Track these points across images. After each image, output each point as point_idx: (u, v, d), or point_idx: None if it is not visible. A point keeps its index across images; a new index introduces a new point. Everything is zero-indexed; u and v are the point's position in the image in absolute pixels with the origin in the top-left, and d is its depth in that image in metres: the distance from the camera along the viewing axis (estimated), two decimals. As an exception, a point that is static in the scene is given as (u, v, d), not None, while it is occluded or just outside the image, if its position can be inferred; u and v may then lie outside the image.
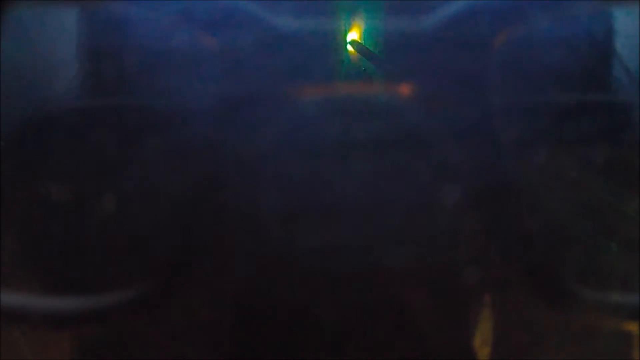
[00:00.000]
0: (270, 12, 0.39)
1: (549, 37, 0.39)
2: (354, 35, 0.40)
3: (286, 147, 0.38)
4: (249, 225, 0.38)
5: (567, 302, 0.40)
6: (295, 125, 0.38)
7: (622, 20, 0.41)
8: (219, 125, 0.38)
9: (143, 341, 0.40)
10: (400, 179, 0.39)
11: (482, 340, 0.41)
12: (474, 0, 0.39)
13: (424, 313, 0.40)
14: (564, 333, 0.41)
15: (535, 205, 0.39)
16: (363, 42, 0.40)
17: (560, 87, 0.40)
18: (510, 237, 0.39)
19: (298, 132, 0.38)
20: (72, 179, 0.39)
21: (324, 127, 0.39)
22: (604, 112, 0.40)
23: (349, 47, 0.40)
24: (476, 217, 0.39)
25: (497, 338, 0.41)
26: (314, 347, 0.39)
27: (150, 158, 0.38)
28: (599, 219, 0.39)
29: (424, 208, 0.39)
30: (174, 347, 0.40)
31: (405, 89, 0.39)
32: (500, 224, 0.39)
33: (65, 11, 0.40)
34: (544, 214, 0.39)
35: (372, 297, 0.39)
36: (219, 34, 0.38)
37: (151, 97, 0.39)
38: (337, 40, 0.40)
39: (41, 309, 0.39)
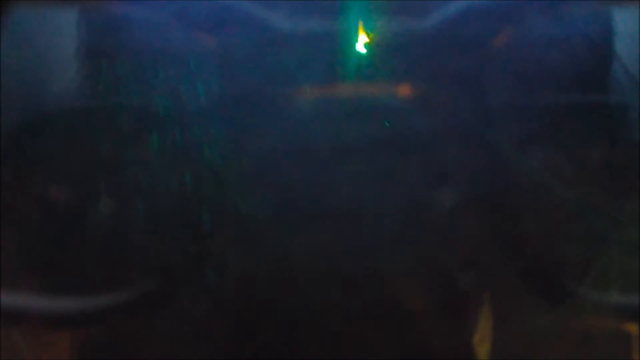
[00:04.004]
0: (270, 12, 0.39)
1: (548, 38, 0.39)
2: (360, 35, 0.40)
3: (286, 148, 0.38)
4: (248, 226, 0.38)
5: (567, 302, 0.40)
6: (295, 126, 0.38)
7: (622, 20, 0.41)
8: (218, 126, 0.38)
9: (143, 341, 0.40)
10: (400, 180, 0.39)
11: (481, 340, 0.41)
12: (474, 1, 0.39)
13: (424, 314, 0.40)
14: (564, 333, 0.41)
15: (535, 205, 0.39)
16: (365, 42, 0.40)
17: (559, 88, 0.39)
18: (510, 238, 0.39)
19: (297, 133, 0.38)
20: (72, 179, 0.39)
21: (323, 128, 0.39)
22: (604, 113, 0.40)
23: (355, 47, 0.40)
24: (476, 218, 0.39)
25: (497, 338, 0.41)
26: (313, 348, 0.39)
27: (149, 159, 0.38)
28: (599, 220, 0.39)
29: (423, 209, 0.39)
30: (173, 347, 0.40)
31: (405, 90, 0.39)
32: (500, 225, 0.39)
33: (65, 12, 0.40)
34: (544, 215, 0.39)
35: (372, 299, 0.39)
36: (218, 35, 0.38)
37: (150, 98, 0.39)
38: (338, 41, 0.40)
39: (41, 309, 0.39)
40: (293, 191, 0.38)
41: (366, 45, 0.39)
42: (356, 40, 0.40)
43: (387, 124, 0.39)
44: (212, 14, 0.38)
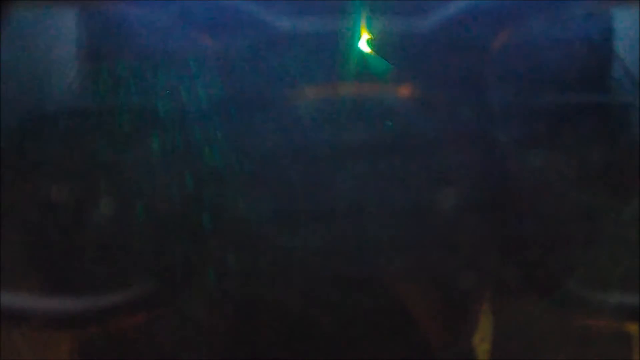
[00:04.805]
0: (271, 12, 0.39)
1: (548, 39, 0.39)
2: (363, 36, 0.40)
3: (287, 148, 0.38)
4: (248, 227, 0.38)
5: (567, 302, 0.40)
6: (296, 127, 0.38)
7: (622, 20, 0.41)
8: (219, 126, 0.38)
9: (143, 341, 0.40)
10: (400, 180, 0.39)
11: (482, 340, 0.41)
12: (474, 1, 0.39)
13: (424, 315, 0.40)
14: (564, 333, 0.41)
15: (535, 206, 0.39)
16: (365, 42, 0.40)
17: (559, 89, 0.40)
18: (510, 238, 0.39)
19: (298, 133, 0.38)
20: (72, 179, 0.39)
21: (324, 128, 0.39)
22: (604, 114, 0.40)
23: (357, 48, 0.40)
24: (476, 219, 0.39)
25: (497, 339, 0.41)
26: (314, 349, 0.39)
27: (149, 159, 0.38)
28: (599, 220, 0.39)
29: (424, 210, 0.39)
30: (173, 347, 0.40)
31: (406, 91, 0.39)
32: (500, 226, 0.39)
33: (65, 12, 0.40)
34: (544, 215, 0.40)
35: (372, 299, 0.39)
36: (219, 35, 0.38)
37: (150, 99, 0.39)
38: (338, 41, 0.40)
39: (41, 309, 0.39)
40: (294, 192, 0.38)
41: (367, 46, 0.39)
42: (357, 41, 0.40)
43: (388, 124, 0.39)
44: (213, 15, 0.38)
